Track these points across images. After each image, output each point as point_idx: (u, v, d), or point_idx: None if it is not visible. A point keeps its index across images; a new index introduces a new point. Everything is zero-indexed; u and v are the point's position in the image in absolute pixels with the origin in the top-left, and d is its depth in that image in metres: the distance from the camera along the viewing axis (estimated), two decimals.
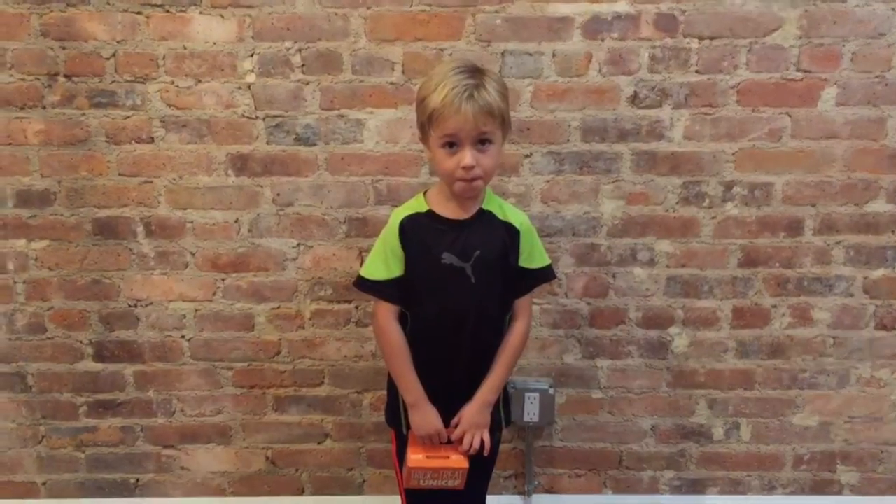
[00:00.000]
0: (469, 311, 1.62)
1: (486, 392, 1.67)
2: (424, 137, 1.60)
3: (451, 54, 2.02)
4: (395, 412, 1.74)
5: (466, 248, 1.60)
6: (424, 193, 1.69)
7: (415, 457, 1.65)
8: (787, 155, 2.08)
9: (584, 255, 2.15)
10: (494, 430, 1.72)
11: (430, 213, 1.64)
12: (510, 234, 1.66)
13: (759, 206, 2.11)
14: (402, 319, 1.68)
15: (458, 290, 1.61)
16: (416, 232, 1.63)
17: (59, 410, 2.24)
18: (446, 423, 1.67)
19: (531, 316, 1.77)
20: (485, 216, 1.65)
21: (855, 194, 2.10)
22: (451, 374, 1.66)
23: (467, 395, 1.67)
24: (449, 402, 1.67)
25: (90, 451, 2.27)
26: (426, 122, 1.54)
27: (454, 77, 1.50)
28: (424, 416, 1.66)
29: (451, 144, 1.52)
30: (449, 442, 1.68)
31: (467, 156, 1.51)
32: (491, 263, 1.62)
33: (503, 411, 1.77)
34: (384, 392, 1.86)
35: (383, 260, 1.65)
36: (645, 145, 2.08)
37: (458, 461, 1.65)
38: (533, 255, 1.70)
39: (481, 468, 1.75)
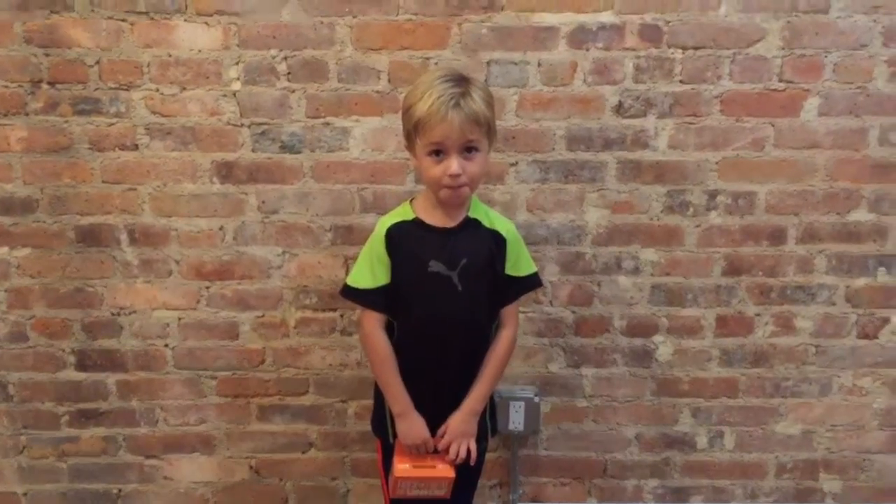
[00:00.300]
0: (456, 320, 1.62)
1: (473, 401, 1.67)
2: (410, 146, 1.61)
3: (436, 63, 2.02)
4: (382, 421, 1.73)
5: (453, 257, 1.61)
6: (411, 201, 1.70)
7: (401, 466, 1.65)
8: (770, 164, 2.10)
9: (569, 263, 2.16)
10: (481, 439, 1.72)
11: (417, 221, 1.65)
12: (497, 242, 1.66)
13: (743, 214, 2.12)
14: (389, 328, 1.68)
15: (445, 298, 1.61)
16: (403, 240, 1.63)
17: (41, 420, 2.21)
18: (433, 431, 1.67)
19: (518, 324, 1.78)
20: (471, 224, 1.66)
21: (837, 204, 2.12)
22: (438, 382, 1.66)
23: (454, 404, 1.67)
24: (436, 410, 1.67)
25: (72, 461, 2.25)
26: (412, 130, 1.55)
27: (440, 85, 1.51)
28: (411, 426, 1.66)
29: (438, 152, 1.53)
30: (435, 451, 1.68)
31: (454, 163, 1.51)
32: (478, 271, 1.62)
33: (490, 420, 1.77)
34: (369, 401, 1.85)
35: (369, 268, 1.65)
36: (630, 154, 2.09)
37: (445, 471, 1.65)
38: (519, 262, 1.70)
39: (467, 477, 1.75)
